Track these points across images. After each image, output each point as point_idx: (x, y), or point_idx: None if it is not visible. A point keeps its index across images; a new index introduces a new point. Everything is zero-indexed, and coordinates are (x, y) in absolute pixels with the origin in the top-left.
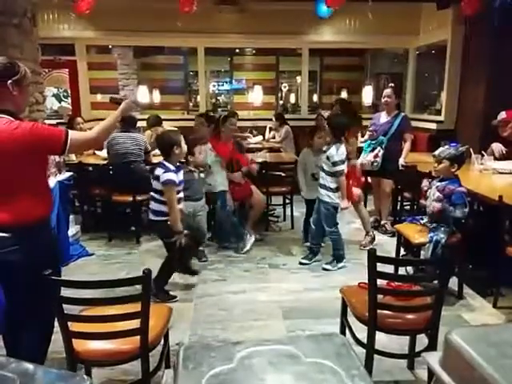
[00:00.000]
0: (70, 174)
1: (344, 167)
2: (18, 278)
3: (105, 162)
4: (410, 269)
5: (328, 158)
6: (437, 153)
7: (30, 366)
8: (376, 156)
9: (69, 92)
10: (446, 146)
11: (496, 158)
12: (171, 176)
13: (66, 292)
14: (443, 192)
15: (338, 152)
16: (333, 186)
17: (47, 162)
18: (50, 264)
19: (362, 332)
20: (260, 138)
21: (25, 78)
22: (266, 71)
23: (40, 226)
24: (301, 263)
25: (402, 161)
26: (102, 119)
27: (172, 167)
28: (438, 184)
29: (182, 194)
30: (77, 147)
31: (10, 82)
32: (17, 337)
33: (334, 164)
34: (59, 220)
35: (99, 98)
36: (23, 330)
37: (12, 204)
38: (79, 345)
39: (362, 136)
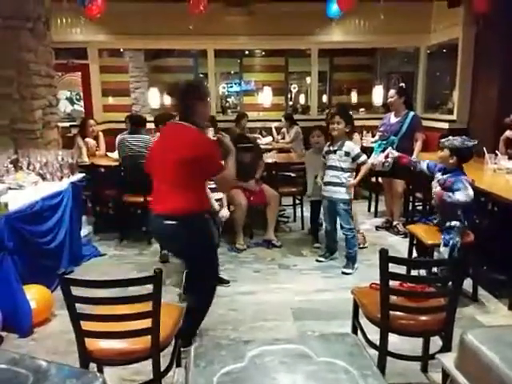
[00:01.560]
0: (83, 175)
1: (365, 156)
2: (185, 253)
3: (116, 163)
4: (422, 270)
5: (347, 153)
6: (443, 140)
7: (43, 363)
8: (387, 157)
9: (81, 95)
10: (456, 137)
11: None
12: None
13: (78, 292)
14: (444, 185)
15: (355, 144)
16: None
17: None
18: (206, 243)
19: (374, 334)
20: (270, 138)
21: (208, 94)
22: (276, 72)
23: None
24: (318, 261)
25: (415, 159)
26: (114, 121)
27: None
28: (440, 177)
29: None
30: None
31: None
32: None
33: (356, 157)
34: (72, 221)
35: (111, 100)
36: (195, 286)
37: (185, 195)
38: (91, 344)
39: (373, 136)
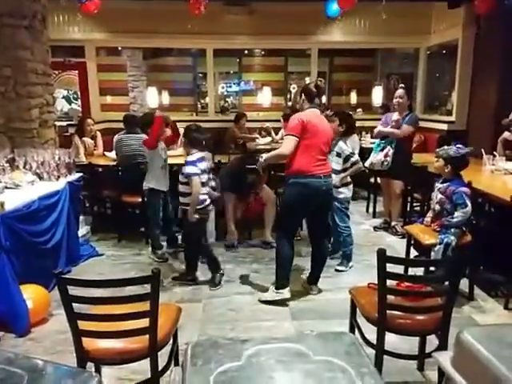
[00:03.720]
0: (80, 174)
1: (357, 157)
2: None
3: (114, 162)
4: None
5: (339, 154)
6: (437, 150)
7: (38, 362)
8: (386, 155)
9: (79, 94)
10: (451, 147)
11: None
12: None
13: (75, 291)
14: (445, 193)
15: (347, 145)
16: (341, 181)
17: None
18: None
19: (371, 333)
20: (269, 138)
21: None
22: (275, 72)
23: None
24: (337, 270)
25: (376, 130)
26: (112, 121)
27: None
28: (440, 186)
29: (204, 179)
30: None
31: None
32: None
33: (348, 158)
34: (69, 220)
35: (109, 99)
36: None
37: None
38: (89, 343)
39: (372, 137)
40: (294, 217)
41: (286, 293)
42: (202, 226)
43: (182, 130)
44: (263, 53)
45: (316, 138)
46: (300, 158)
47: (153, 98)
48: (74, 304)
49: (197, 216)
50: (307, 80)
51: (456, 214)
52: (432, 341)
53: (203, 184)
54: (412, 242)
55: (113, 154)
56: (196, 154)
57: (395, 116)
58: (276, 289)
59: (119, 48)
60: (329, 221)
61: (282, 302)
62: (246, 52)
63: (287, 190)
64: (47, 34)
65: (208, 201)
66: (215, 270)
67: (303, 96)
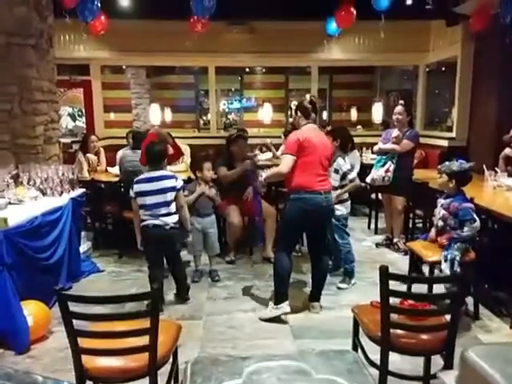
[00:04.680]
0: (83, 190)
1: (355, 174)
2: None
3: (116, 178)
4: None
5: (337, 170)
6: (439, 166)
7: (38, 378)
8: (387, 171)
9: (83, 111)
10: (453, 162)
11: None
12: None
13: (76, 308)
14: (448, 209)
15: (345, 161)
16: (337, 198)
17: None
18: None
19: (374, 353)
20: (270, 154)
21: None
22: (276, 89)
23: None
24: (339, 288)
25: (376, 147)
26: (115, 137)
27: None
28: (443, 202)
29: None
30: None
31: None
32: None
33: (345, 175)
34: (71, 236)
35: (112, 116)
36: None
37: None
38: (88, 361)
39: (372, 153)
40: (294, 232)
41: (285, 306)
42: (154, 248)
43: (185, 147)
44: (264, 70)
45: (315, 154)
46: (300, 175)
47: (155, 115)
48: (74, 321)
49: (139, 240)
50: (307, 97)
51: (465, 228)
52: (437, 360)
53: (142, 207)
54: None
55: (116, 170)
56: (144, 175)
57: (395, 132)
58: (275, 304)
59: (123, 66)
60: (329, 237)
61: (282, 320)
62: (247, 70)
63: (288, 206)
64: (53, 52)
65: (150, 224)
66: (180, 290)
67: (299, 113)
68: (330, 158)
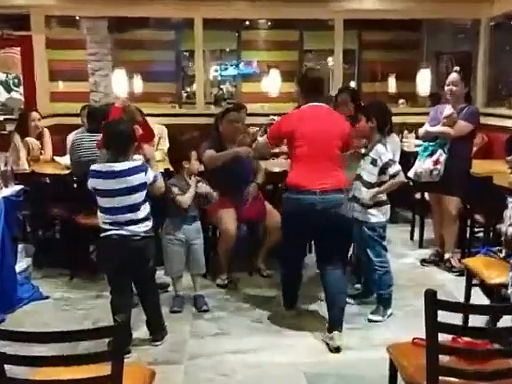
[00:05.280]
0: (20, 187)
1: (399, 167)
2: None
3: (67, 171)
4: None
5: (374, 160)
6: (509, 158)
7: None
8: (436, 162)
9: (21, 78)
10: None
11: None
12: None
13: (10, 348)
14: None
15: (387, 149)
16: (372, 199)
17: None
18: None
19: None
20: None
21: None
22: (286, 51)
23: None
24: (370, 321)
25: (422, 130)
26: (65, 115)
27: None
28: None
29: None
30: None
31: None
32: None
33: (384, 167)
34: (3, 250)
35: (61, 86)
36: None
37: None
38: None
39: (417, 137)
40: (289, 239)
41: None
42: (117, 266)
43: (161, 128)
44: (270, 24)
45: (313, 145)
46: (293, 170)
47: (120, 85)
48: (6, 366)
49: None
50: (329, 61)
51: None
52: None
53: (99, 209)
54: (474, 281)
55: (65, 160)
56: (101, 166)
57: (448, 110)
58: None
59: (77, 17)
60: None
61: (294, 365)
62: (246, 23)
63: (282, 207)
64: None
65: (113, 234)
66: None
67: (298, 88)
68: (345, 143)
